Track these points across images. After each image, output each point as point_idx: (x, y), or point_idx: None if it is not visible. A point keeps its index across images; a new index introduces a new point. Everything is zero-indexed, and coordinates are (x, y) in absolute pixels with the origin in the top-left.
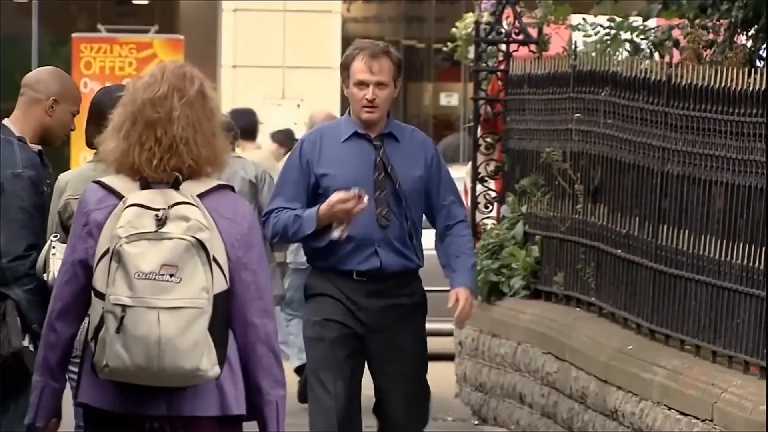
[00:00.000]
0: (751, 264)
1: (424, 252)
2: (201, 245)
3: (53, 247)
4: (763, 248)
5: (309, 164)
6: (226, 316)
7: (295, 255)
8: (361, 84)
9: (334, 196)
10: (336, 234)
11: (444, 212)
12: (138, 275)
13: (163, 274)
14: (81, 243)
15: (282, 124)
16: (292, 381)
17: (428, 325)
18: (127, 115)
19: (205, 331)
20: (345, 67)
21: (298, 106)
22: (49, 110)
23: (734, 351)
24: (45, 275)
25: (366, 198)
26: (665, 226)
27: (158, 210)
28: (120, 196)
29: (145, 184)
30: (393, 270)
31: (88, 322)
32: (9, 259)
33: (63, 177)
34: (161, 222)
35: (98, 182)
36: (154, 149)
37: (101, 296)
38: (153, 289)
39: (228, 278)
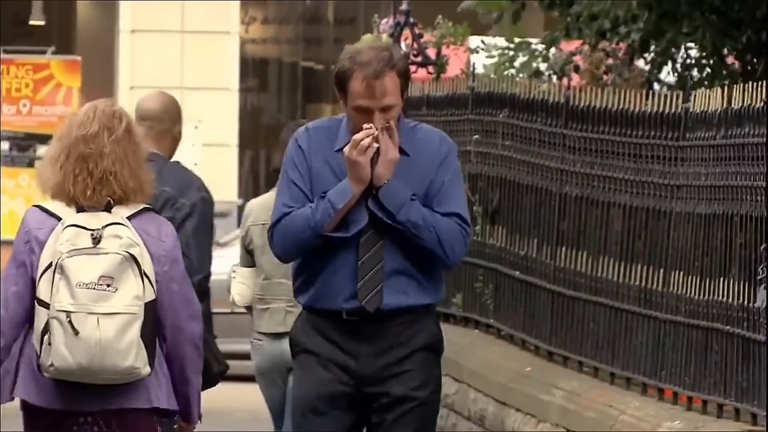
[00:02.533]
0: (648, 286)
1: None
2: (133, 259)
3: (233, 272)
4: (661, 270)
5: (309, 161)
6: (154, 322)
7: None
8: (362, 110)
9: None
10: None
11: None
12: (79, 285)
13: (101, 284)
14: (24, 257)
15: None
16: None
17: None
18: (63, 149)
19: (138, 334)
20: (341, 83)
21: (196, 127)
22: (177, 135)
23: (632, 372)
24: (230, 296)
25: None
26: (564, 248)
27: (93, 230)
28: (58, 218)
29: (81, 208)
30: (391, 308)
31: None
32: (200, 277)
33: (249, 204)
34: (97, 240)
35: (37, 206)
36: (87, 180)
37: (45, 305)
38: (93, 297)
39: (156, 289)
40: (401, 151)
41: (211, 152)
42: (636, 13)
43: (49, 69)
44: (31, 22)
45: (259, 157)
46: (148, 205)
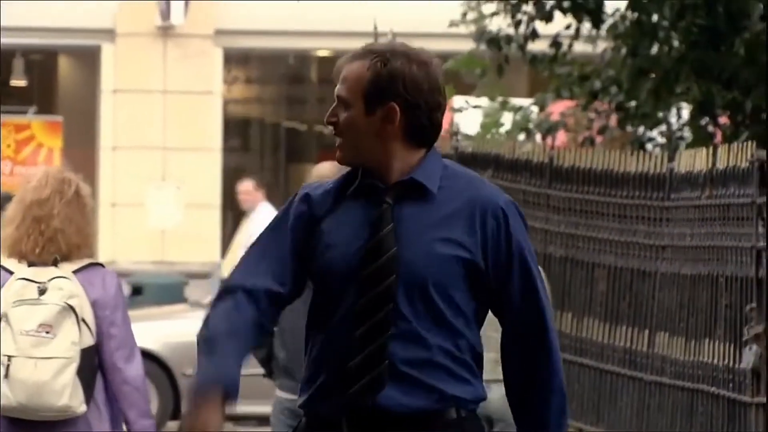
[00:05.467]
0: (633, 346)
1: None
2: (71, 309)
3: None
4: (646, 331)
5: (312, 218)
6: (92, 365)
7: None
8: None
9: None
10: None
11: (515, 312)
12: (21, 332)
13: (40, 332)
14: None
15: (162, 205)
16: None
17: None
18: (18, 211)
19: (74, 376)
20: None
21: (179, 188)
22: None
23: None
24: None
25: None
26: None
27: (40, 283)
28: (10, 272)
29: (32, 263)
30: (400, 412)
31: None
32: None
33: None
34: (42, 292)
35: None
36: (38, 239)
37: None
38: (32, 343)
39: (95, 334)
40: (416, 187)
41: (193, 213)
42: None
43: (30, 129)
44: (13, 82)
45: (242, 217)
46: (93, 260)
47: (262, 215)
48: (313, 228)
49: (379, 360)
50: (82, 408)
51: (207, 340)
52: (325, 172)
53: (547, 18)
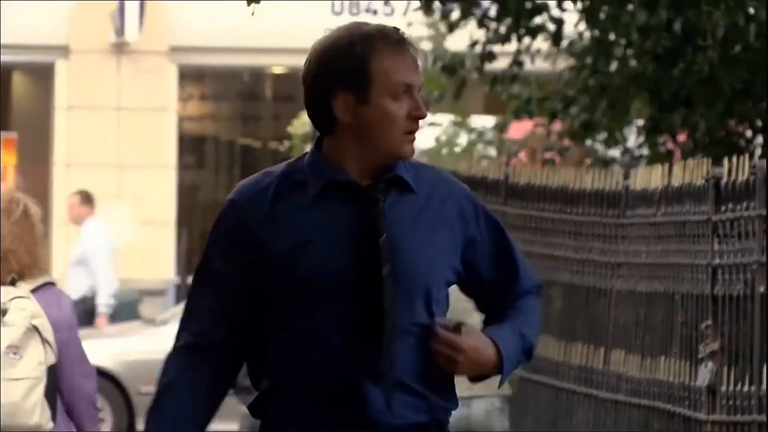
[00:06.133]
0: (589, 364)
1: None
2: (36, 329)
3: None
4: (602, 349)
5: (249, 236)
6: (54, 383)
7: None
8: (407, 91)
9: None
10: None
11: (508, 291)
12: None
13: (8, 353)
14: None
15: (117, 223)
16: None
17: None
18: None
19: (42, 395)
20: (357, 71)
21: (133, 205)
22: None
23: None
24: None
25: None
26: None
27: (0, 303)
28: None
29: None
30: (396, 426)
31: None
32: None
33: None
34: (4, 312)
35: None
36: None
37: None
38: (2, 365)
39: (56, 353)
40: (400, 183)
41: (148, 230)
42: (576, 96)
43: None
44: None
45: (197, 234)
46: (49, 279)
47: (89, 231)
48: (258, 235)
49: (383, 372)
50: (50, 425)
51: (157, 409)
52: None
53: (503, 40)
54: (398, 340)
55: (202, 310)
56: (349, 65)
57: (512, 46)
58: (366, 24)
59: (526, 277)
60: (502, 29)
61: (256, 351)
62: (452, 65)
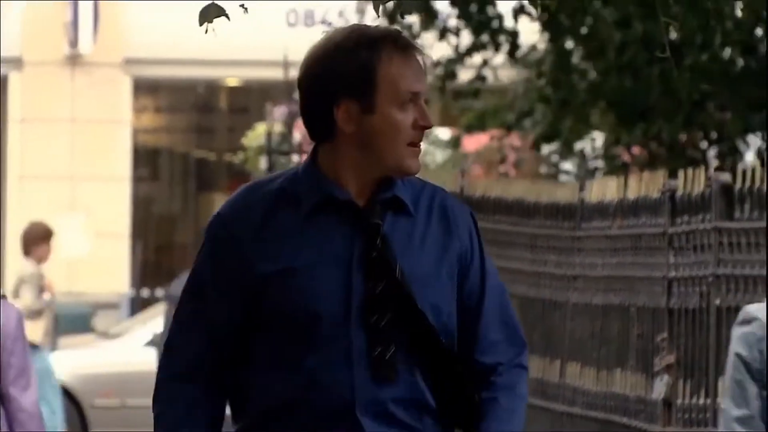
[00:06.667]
0: (545, 377)
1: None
2: None
3: None
4: (558, 361)
5: (236, 255)
6: None
7: None
8: (413, 99)
9: None
10: None
11: (481, 339)
12: None
13: None
14: None
15: (71, 235)
16: None
17: None
18: None
19: None
20: (362, 77)
21: (87, 217)
22: None
23: None
24: None
25: None
26: None
27: None
28: None
29: None
30: None
31: None
32: None
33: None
34: None
35: None
36: None
37: None
38: None
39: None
40: (398, 204)
41: (102, 242)
42: (533, 108)
43: None
44: None
45: (151, 247)
46: None
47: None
48: (245, 254)
49: (383, 403)
50: None
51: None
52: None
53: (465, 57)
54: (403, 366)
55: (192, 334)
56: (353, 71)
57: (476, 59)
58: (370, 26)
59: (493, 330)
60: (464, 41)
61: (242, 381)
62: None
